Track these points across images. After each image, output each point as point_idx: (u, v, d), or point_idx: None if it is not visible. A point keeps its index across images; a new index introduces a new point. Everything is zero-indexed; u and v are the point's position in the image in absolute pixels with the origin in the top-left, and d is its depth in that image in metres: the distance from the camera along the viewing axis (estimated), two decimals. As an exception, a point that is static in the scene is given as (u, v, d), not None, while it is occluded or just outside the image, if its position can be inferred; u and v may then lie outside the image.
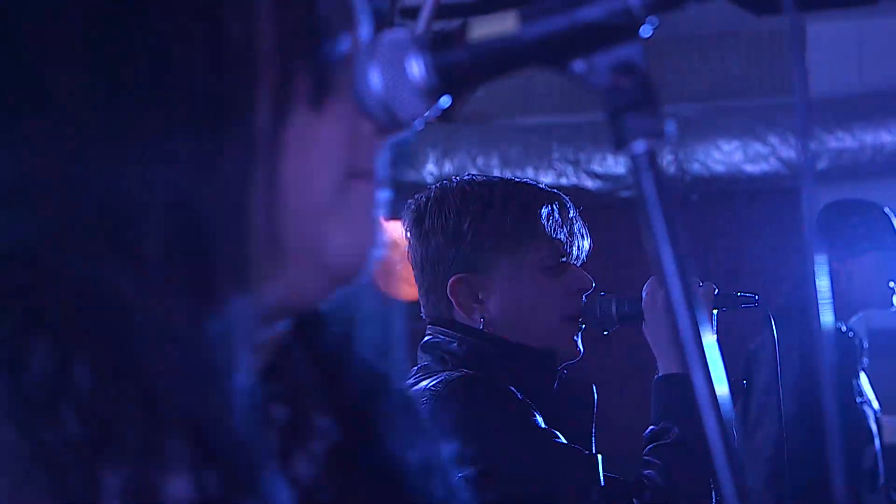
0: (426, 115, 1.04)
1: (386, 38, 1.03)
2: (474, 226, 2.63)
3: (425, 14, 6.09)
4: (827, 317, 0.91)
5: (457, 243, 2.63)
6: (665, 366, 2.68)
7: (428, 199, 2.68)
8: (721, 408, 0.93)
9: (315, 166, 1.00)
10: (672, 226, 0.94)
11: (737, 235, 7.15)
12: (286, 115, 1.00)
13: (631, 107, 0.95)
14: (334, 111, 1.02)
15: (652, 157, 0.95)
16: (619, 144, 0.95)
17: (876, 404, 4.72)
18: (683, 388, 2.69)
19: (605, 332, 2.79)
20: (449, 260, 2.63)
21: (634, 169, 0.95)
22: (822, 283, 0.91)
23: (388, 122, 1.04)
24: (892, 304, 4.67)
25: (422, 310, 2.72)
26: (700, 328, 0.94)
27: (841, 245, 4.61)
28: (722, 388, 0.93)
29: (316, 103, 1.02)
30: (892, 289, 4.66)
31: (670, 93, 7.19)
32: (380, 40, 1.03)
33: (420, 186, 6.71)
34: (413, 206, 2.71)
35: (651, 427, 2.65)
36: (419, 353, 2.67)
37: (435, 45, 1.02)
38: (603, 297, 2.77)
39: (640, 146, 0.95)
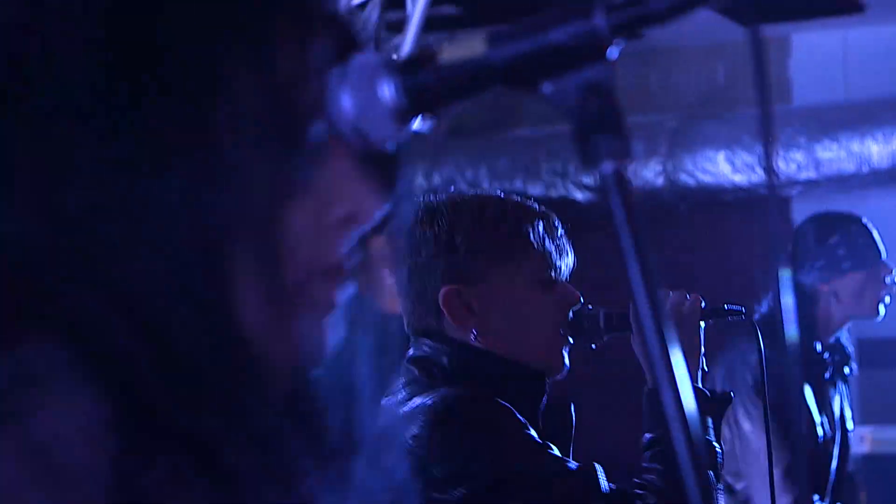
0: (398, 137, 1.05)
1: (357, 60, 1.04)
2: (468, 237, 2.62)
3: (412, 32, 6.11)
4: (791, 331, 0.92)
5: (449, 254, 2.62)
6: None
7: (418, 209, 2.67)
8: (690, 423, 0.95)
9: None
10: (640, 244, 0.96)
11: (725, 245, 7.17)
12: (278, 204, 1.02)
13: (598, 127, 0.97)
14: (299, 207, 1.03)
15: (620, 177, 0.96)
16: (587, 165, 0.97)
17: (850, 424, 4.73)
18: None
19: (593, 346, 2.80)
20: (440, 270, 2.61)
21: (603, 189, 0.96)
22: (787, 300, 0.92)
23: (361, 145, 1.05)
24: (878, 313, 4.69)
25: (405, 321, 2.70)
26: (669, 344, 0.95)
27: (823, 267, 4.64)
28: (690, 402, 0.94)
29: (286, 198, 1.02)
30: (879, 299, 4.67)
31: (658, 103, 7.21)
32: (350, 63, 1.04)
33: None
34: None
35: (647, 435, 2.65)
36: (406, 366, 2.64)
37: (405, 68, 1.03)
38: (590, 310, 2.77)
39: (608, 167, 0.96)
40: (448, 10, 6.57)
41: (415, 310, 2.65)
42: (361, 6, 6.05)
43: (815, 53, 7.27)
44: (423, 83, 1.03)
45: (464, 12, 6.70)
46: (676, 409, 0.93)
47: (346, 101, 1.03)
